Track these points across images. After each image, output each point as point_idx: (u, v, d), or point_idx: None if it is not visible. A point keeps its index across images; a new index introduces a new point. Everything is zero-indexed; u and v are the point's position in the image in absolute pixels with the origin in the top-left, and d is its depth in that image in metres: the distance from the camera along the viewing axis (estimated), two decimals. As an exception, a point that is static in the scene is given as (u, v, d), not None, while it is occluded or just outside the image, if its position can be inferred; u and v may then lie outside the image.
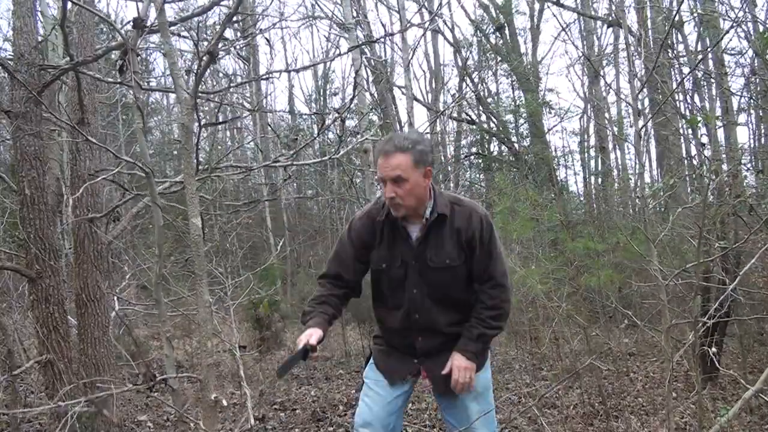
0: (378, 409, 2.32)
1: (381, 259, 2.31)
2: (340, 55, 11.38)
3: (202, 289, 2.17)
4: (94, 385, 3.68)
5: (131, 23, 2.34)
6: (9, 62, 3.63)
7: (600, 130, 13.28)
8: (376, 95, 12.71)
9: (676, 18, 8.72)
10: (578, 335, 5.16)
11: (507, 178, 10.41)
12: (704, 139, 6.37)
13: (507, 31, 14.57)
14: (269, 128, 11.62)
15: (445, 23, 14.13)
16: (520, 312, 6.08)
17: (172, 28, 4.05)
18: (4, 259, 5.16)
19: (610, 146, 13.69)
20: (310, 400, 5.53)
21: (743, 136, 19.03)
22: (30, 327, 5.48)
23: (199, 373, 2.22)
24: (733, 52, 8.23)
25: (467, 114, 15.32)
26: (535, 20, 15.18)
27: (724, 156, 6.43)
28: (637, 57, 7.65)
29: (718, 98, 8.30)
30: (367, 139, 5.99)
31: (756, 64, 6.81)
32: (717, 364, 3.74)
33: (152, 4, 2.38)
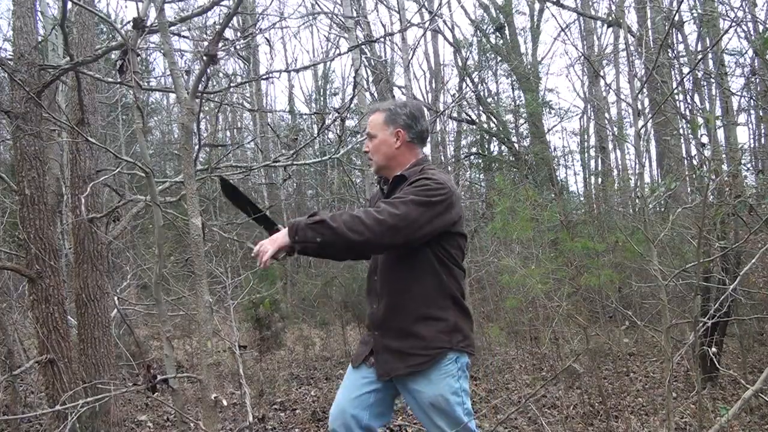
0: (344, 402, 2.33)
1: None
2: (340, 55, 11.38)
3: (202, 289, 2.17)
4: (95, 385, 3.67)
5: (131, 23, 2.34)
6: (9, 62, 3.62)
7: (600, 130, 13.28)
8: (376, 95, 12.71)
9: (676, 18, 8.72)
10: (578, 335, 5.16)
11: (507, 178, 10.42)
12: (704, 139, 6.36)
13: (507, 31, 14.57)
14: (269, 128, 11.61)
15: (445, 23, 14.13)
16: (520, 312, 6.08)
17: (172, 28, 4.05)
18: (4, 259, 5.16)
19: (610, 146, 13.69)
20: (310, 400, 5.53)
21: (743, 136, 19.03)
22: (30, 327, 5.48)
23: (199, 373, 2.22)
24: (733, 52, 8.23)
25: (467, 114, 15.32)
26: (535, 20, 15.19)
27: (724, 156, 6.42)
28: (637, 57, 7.65)
29: (718, 98, 8.29)
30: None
31: (756, 64, 6.80)
32: (717, 364, 3.74)
33: (152, 4, 2.38)
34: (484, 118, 15.44)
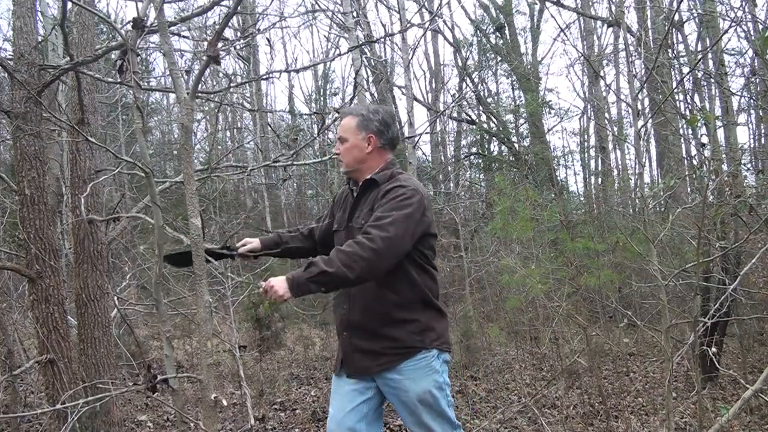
0: (339, 415, 2.34)
1: (335, 221, 2.52)
2: (340, 55, 11.37)
3: (202, 289, 2.17)
4: (95, 385, 3.67)
5: (131, 23, 2.34)
6: (9, 62, 3.62)
7: (600, 130, 13.28)
8: (376, 95, 12.71)
9: (676, 18, 8.72)
10: (578, 335, 5.16)
11: (507, 178, 10.41)
12: (704, 139, 6.36)
13: (507, 31, 14.56)
14: (269, 128, 11.61)
15: (445, 23, 14.13)
16: (520, 312, 6.08)
17: (172, 28, 4.04)
18: (4, 259, 5.16)
19: (610, 146, 13.68)
20: (310, 400, 5.53)
21: (743, 136, 19.02)
22: (30, 327, 5.48)
23: (199, 373, 2.22)
24: (733, 52, 8.23)
25: (467, 114, 15.31)
26: (535, 20, 15.19)
27: (724, 156, 6.42)
28: (636, 57, 7.64)
29: (717, 98, 8.29)
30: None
31: (756, 64, 6.80)
32: (717, 364, 3.74)
33: (152, 4, 2.38)
34: (484, 118, 15.44)
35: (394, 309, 2.28)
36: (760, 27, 6.16)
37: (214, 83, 13.28)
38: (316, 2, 9.57)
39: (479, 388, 5.40)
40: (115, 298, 4.15)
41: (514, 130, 15.17)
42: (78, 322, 4.16)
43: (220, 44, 2.34)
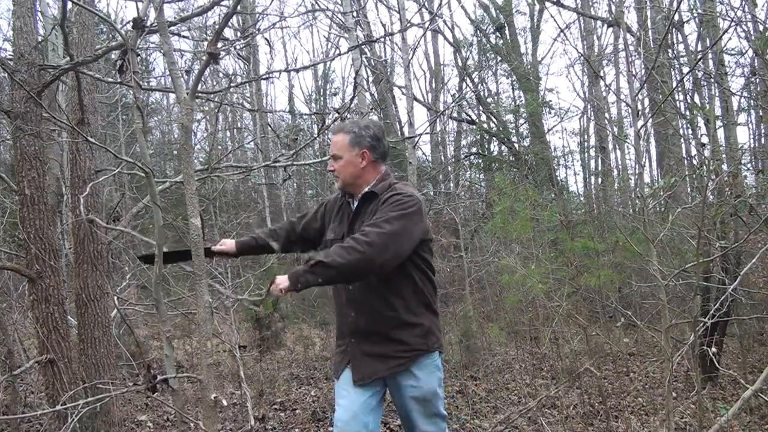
0: (355, 408, 2.39)
1: (331, 230, 2.56)
2: (340, 55, 11.37)
3: (202, 289, 2.17)
4: (95, 385, 3.67)
5: (131, 23, 2.34)
6: (9, 62, 3.62)
7: (600, 130, 13.28)
8: (376, 95, 12.71)
9: (676, 18, 8.72)
10: (578, 335, 5.17)
11: (507, 178, 10.41)
12: (704, 139, 6.36)
13: (507, 31, 14.56)
14: (269, 128, 11.61)
15: (445, 23, 14.13)
16: (520, 312, 6.08)
17: (172, 28, 4.04)
18: (4, 259, 5.16)
19: (610, 146, 13.68)
20: (310, 400, 5.53)
21: (743, 136, 19.02)
22: (30, 327, 5.48)
23: (199, 373, 2.22)
24: (733, 52, 8.23)
25: (467, 114, 15.31)
26: (535, 20, 15.19)
27: (724, 156, 6.42)
28: (636, 57, 7.64)
29: (717, 98, 8.29)
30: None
31: (756, 64, 6.80)
32: (717, 364, 3.74)
33: (152, 4, 2.38)
34: (484, 118, 15.43)
35: (402, 313, 2.38)
36: (760, 27, 6.17)
37: (214, 83, 13.28)
38: (316, 2, 9.57)
39: (479, 388, 5.40)
40: (115, 298, 4.15)
41: (514, 130, 15.17)
42: (78, 322, 4.16)
43: (220, 44, 2.34)
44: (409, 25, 7.59)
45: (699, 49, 9.50)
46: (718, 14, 6.00)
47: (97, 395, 2.39)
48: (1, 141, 8.03)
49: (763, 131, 10.78)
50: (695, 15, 7.94)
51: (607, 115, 14.47)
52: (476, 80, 15.40)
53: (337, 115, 4.17)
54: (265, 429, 4.72)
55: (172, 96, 11.76)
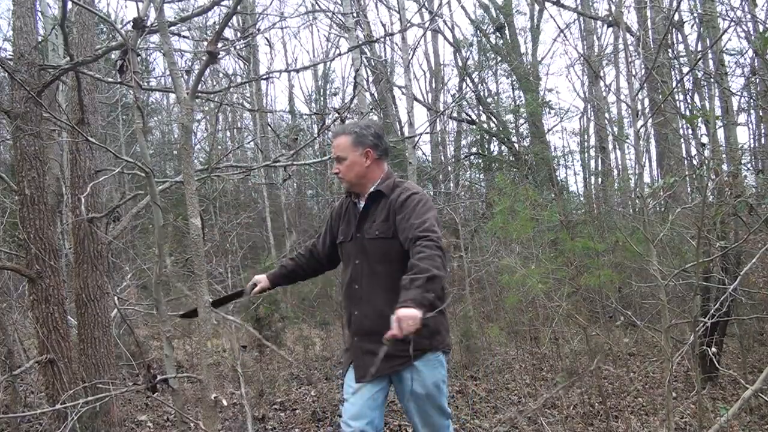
0: (361, 404, 2.41)
1: (340, 233, 2.60)
2: (340, 55, 11.38)
3: (202, 289, 2.17)
4: (95, 385, 3.68)
5: (131, 23, 2.34)
6: (9, 62, 3.62)
7: (600, 130, 13.27)
8: (376, 95, 12.71)
9: (676, 18, 8.72)
10: (578, 335, 5.16)
11: (507, 178, 10.40)
12: (704, 139, 6.36)
13: (507, 31, 14.56)
14: (269, 128, 11.61)
15: (445, 23, 14.13)
16: (520, 312, 6.08)
17: (172, 28, 4.05)
18: (4, 259, 5.16)
19: (610, 146, 13.68)
20: (310, 400, 5.53)
21: (743, 136, 19.02)
22: (30, 327, 5.48)
23: (199, 373, 2.22)
24: (733, 52, 8.22)
25: (467, 114, 15.31)
26: (535, 20, 15.18)
27: (724, 156, 6.42)
28: (636, 57, 7.64)
29: (717, 98, 8.29)
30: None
31: (756, 64, 6.80)
32: (717, 364, 3.74)
33: (152, 4, 2.38)
34: (484, 118, 15.43)
35: (394, 294, 2.33)
36: (760, 27, 6.17)
37: (214, 83, 13.28)
38: (316, 2, 9.57)
39: (479, 388, 5.40)
40: (115, 298, 4.15)
41: (514, 130, 15.17)
42: (78, 322, 4.16)
43: (220, 44, 2.34)
44: (409, 25, 7.59)
45: (699, 49, 9.50)
46: (718, 14, 6.00)
47: (97, 395, 2.39)
48: (1, 141, 8.03)
49: (763, 131, 10.77)
50: (695, 15, 7.94)
51: (607, 115, 14.47)
52: (476, 80, 15.40)
53: (337, 115, 4.17)
54: (265, 429, 4.72)
55: (172, 96, 11.76)
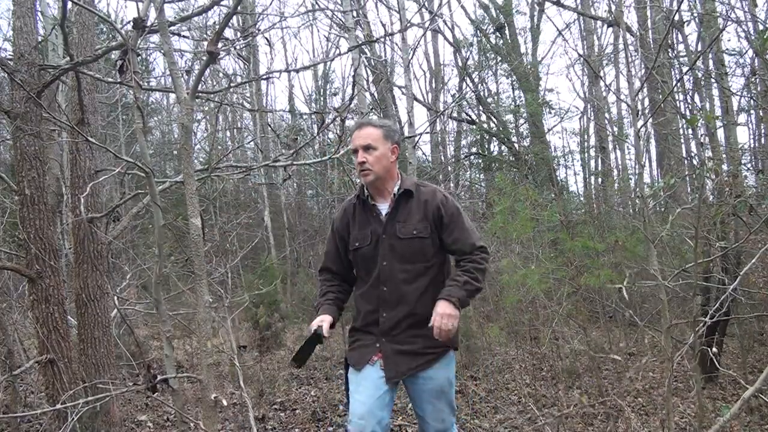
0: (370, 403, 2.39)
1: (355, 239, 2.52)
2: (340, 55, 11.38)
3: (202, 289, 2.17)
4: (95, 385, 3.68)
5: (131, 23, 2.34)
6: (9, 62, 3.62)
7: (600, 130, 13.28)
8: (376, 95, 12.71)
9: (676, 18, 8.72)
10: (578, 335, 5.16)
11: (507, 178, 10.40)
12: (704, 139, 6.36)
13: (507, 31, 14.56)
14: (269, 128, 11.61)
15: (445, 23, 14.14)
16: (520, 312, 6.08)
17: (172, 28, 4.04)
18: (4, 259, 5.16)
19: (610, 146, 13.68)
20: (310, 400, 5.53)
21: (743, 136, 19.03)
22: (30, 327, 5.48)
23: (199, 373, 2.22)
24: (733, 52, 8.21)
25: (467, 114, 15.32)
26: (535, 20, 15.19)
27: (724, 156, 6.42)
28: (636, 57, 7.64)
29: (717, 98, 8.29)
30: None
31: (756, 64, 6.80)
32: (717, 364, 3.74)
33: (152, 4, 2.38)
34: (484, 118, 15.44)
35: (426, 293, 2.44)
36: (760, 27, 6.16)
37: (214, 83, 13.28)
38: (316, 2, 9.58)
39: (479, 388, 5.40)
40: (115, 298, 4.15)
41: (514, 130, 15.17)
42: (78, 322, 4.16)
43: (220, 44, 2.34)
44: (409, 25, 7.59)
45: (699, 49, 9.50)
46: (718, 14, 6.00)
47: (97, 395, 2.39)
48: (1, 141, 8.03)
49: (763, 131, 10.77)
50: (695, 15, 7.94)
51: (607, 115, 14.47)
52: (476, 80, 15.40)
53: (337, 114, 4.17)
54: (265, 429, 4.72)
55: (172, 96, 11.76)
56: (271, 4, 10.67)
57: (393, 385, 2.47)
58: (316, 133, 5.50)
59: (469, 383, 5.61)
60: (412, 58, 8.80)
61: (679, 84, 7.50)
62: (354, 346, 2.56)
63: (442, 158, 15.29)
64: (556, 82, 41.78)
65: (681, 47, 9.94)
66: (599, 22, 13.89)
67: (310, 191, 17.11)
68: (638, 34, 8.91)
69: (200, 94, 4.31)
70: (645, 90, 9.33)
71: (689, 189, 7.26)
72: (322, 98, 17.68)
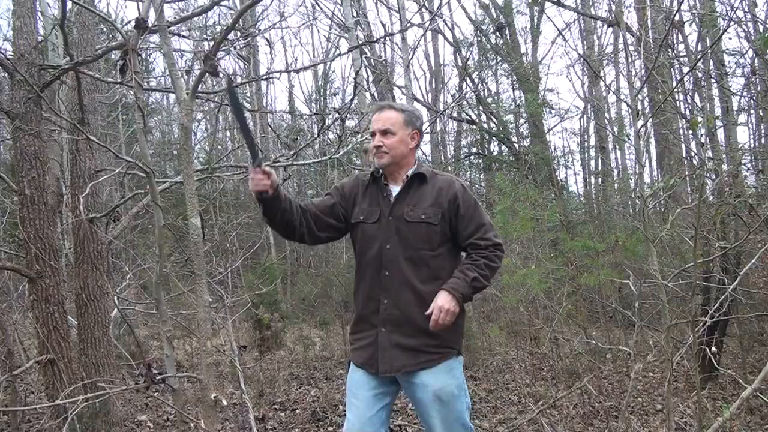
0: (360, 422, 2.28)
1: (360, 212, 2.41)
2: (340, 55, 11.36)
3: (202, 288, 2.17)
4: (95, 385, 3.68)
5: (133, 24, 2.34)
6: (9, 62, 3.63)
7: (600, 130, 13.29)
8: (376, 95, 12.71)
9: (676, 18, 8.72)
10: (578, 335, 5.16)
11: (507, 178, 10.41)
12: (704, 139, 6.37)
13: (507, 31, 14.57)
14: (269, 128, 11.61)
15: (445, 23, 14.14)
16: (520, 312, 6.08)
17: (172, 28, 4.05)
18: (4, 259, 5.17)
19: (610, 146, 13.69)
20: (310, 400, 5.53)
21: (743, 136, 19.01)
22: (30, 327, 5.48)
23: (199, 373, 2.22)
24: (733, 52, 8.21)
25: (467, 114, 15.32)
26: (535, 20, 15.19)
27: (724, 156, 6.42)
28: (636, 57, 7.64)
29: (717, 98, 8.29)
30: (367, 139, 5.99)
31: (756, 64, 6.80)
32: (717, 364, 3.74)
33: (152, 5, 2.38)
34: (484, 118, 15.44)
35: (429, 281, 2.31)
36: (760, 27, 6.17)
37: (214, 83, 13.29)
38: (317, 2, 9.57)
39: (479, 388, 5.40)
40: (115, 298, 4.15)
41: (514, 130, 15.17)
42: (78, 322, 4.17)
43: (220, 47, 2.34)
44: (409, 25, 7.59)
45: (699, 49, 9.50)
46: (718, 14, 6.00)
47: (97, 393, 2.39)
48: (1, 141, 8.03)
49: (763, 131, 10.78)
50: (695, 15, 7.94)
51: (607, 115, 14.47)
52: (476, 80, 15.40)
53: (337, 115, 4.17)
54: (265, 429, 4.72)
55: (172, 96, 11.77)
56: (271, 3, 10.67)
57: (389, 395, 2.33)
58: (317, 134, 5.50)
59: (469, 383, 5.61)
60: (412, 58, 8.81)
61: (679, 84, 7.49)
62: (355, 346, 2.42)
63: (442, 158, 15.29)
64: (556, 82, 41.76)
65: (681, 47, 9.95)
66: (599, 22, 13.90)
67: (310, 191, 17.12)
68: (638, 34, 8.91)
69: (200, 94, 4.32)
70: (645, 90, 9.33)
71: (689, 189, 7.25)
72: (322, 98, 17.68)
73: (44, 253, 3.48)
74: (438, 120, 13.95)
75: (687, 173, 6.88)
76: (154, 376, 2.21)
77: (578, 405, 4.57)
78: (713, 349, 3.83)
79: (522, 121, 15.12)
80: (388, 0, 10.60)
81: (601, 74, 13.82)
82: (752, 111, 9.98)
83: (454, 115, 14.98)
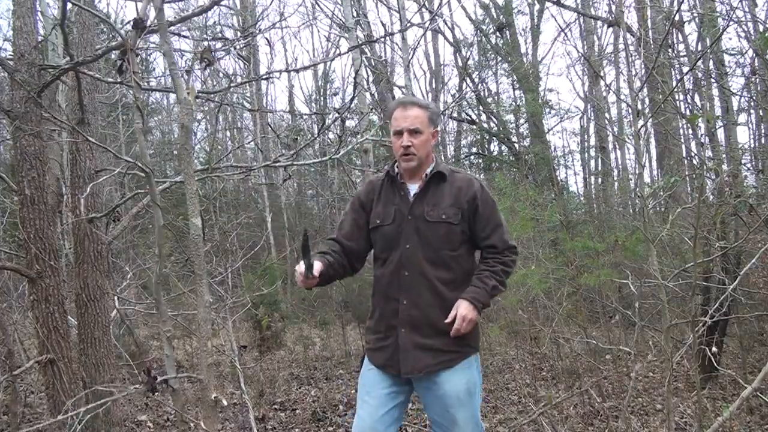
0: (371, 420, 2.26)
1: (377, 216, 2.37)
2: (340, 55, 11.37)
3: (202, 289, 2.17)
4: (95, 383, 3.68)
5: (131, 24, 2.34)
6: (9, 62, 3.63)
7: (600, 130, 13.28)
8: (376, 95, 12.71)
9: (676, 18, 8.72)
10: (578, 335, 5.16)
11: (507, 178, 10.41)
12: (704, 139, 6.37)
13: (507, 31, 14.57)
14: (269, 128, 11.61)
15: (445, 23, 14.14)
16: (519, 313, 6.07)
17: (172, 28, 4.05)
18: (4, 259, 5.16)
19: (610, 146, 13.68)
20: (310, 400, 5.53)
21: (743, 136, 19.02)
22: (30, 327, 5.48)
23: (199, 373, 2.22)
24: (733, 52, 8.21)
25: (467, 114, 15.32)
26: (536, 20, 15.19)
27: (724, 156, 6.42)
28: (636, 57, 7.64)
29: (717, 98, 8.29)
30: (367, 139, 5.99)
31: (756, 64, 6.80)
32: (717, 364, 3.73)
33: (152, 4, 2.38)
34: (484, 118, 15.44)
35: (449, 281, 2.31)
36: (760, 27, 6.16)
37: (214, 83, 13.29)
38: (317, 2, 9.57)
39: (479, 388, 5.39)
40: (115, 298, 4.15)
41: (514, 130, 15.17)
42: (78, 322, 4.16)
43: (219, 44, 2.34)
44: (409, 25, 7.59)
45: (699, 49, 9.50)
46: (718, 14, 6.00)
47: (98, 397, 2.39)
48: (1, 141, 8.03)
49: (763, 131, 10.78)
50: (695, 15, 7.94)
51: (607, 115, 14.48)
52: (476, 80, 15.40)
53: (337, 115, 4.17)
54: (265, 429, 4.72)
55: (172, 96, 11.77)
56: (271, 3, 10.67)
57: (403, 394, 2.31)
58: (317, 134, 5.50)
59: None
60: (412, 58, 8.81)
61: (679, 84, 7.49)
62: (373, 347, 2.36)
63: (442, 158, 15.29)
64: (556, 82, 41.80)
65: (681, 47, 9.95)
66: (599, 22, 13.90)
67: (310, 191, 17.12)
68: (638, 34, 8.90)
69: (200, 94, 4.32)
70: (645, 90, 9.33)
71: (689, 189, 7.25)
72: (322, 98, 17.69)
73: (44, 253, 3.48)
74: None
75: (687, 173, 6.88)
76: (155, 380, 2.20)
77: (578, 405, 4.57)
78: (713, 349, 3.83)
79: (522, 121, 15.12)
80: (388, 0, 10.60)
81: (601, 74, 13.82)
82: (752, 111, 9.99)
83: (454, 115, 14.99)
